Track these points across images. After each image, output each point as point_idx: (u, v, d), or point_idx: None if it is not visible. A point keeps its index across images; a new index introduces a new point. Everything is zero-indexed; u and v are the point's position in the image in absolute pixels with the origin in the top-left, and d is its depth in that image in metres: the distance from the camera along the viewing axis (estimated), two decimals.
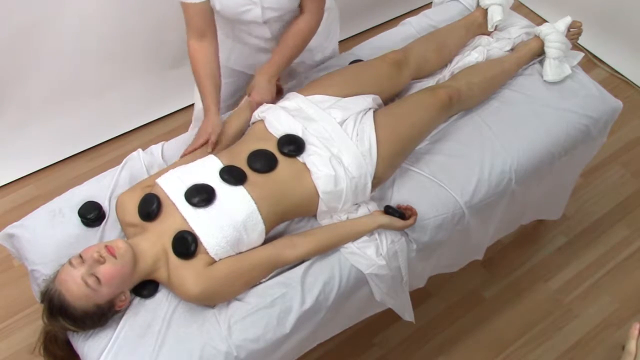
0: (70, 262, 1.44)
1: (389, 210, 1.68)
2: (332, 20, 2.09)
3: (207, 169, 1.61)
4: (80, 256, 1.44)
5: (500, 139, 1.90)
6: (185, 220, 1.53)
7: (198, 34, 1.75)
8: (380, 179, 1.75)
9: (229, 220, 1.53)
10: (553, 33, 2.05)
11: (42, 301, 1.48)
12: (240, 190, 1.57)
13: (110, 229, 1.68)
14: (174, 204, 1.55)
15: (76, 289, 1.41)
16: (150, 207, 1.55)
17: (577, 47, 2.38)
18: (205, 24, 1.75)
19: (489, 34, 2.15)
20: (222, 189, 1.57)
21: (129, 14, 2.40)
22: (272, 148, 1.67)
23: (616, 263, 2.46)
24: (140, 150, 1.84)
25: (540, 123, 1.94)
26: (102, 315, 1.47)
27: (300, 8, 1.83)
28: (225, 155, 1.67)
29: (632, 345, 1.23)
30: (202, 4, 1.71)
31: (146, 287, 1.55)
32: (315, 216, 1.72)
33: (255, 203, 1.56)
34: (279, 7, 1.79)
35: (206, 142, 1.72)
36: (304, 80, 2.00)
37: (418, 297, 2.03)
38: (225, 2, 1.74)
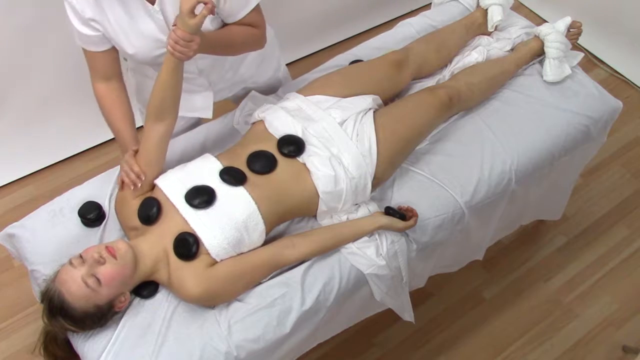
0: (70, 262, 1.44)
1: (389, 212, 1.68)
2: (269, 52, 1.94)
3: (206, 170, 1.61)
4: (81, 256, 1.44)
5: (500, 139, 1.90)
6: (186, 221, 1.53)
7: (104, 77, 1.68)
8: (380, 179, 1.75)
9: (230, 221, 1.53)
10: (553, 33, 2.05)
11: (42, 301, 1.48)
12: (240, 191, 1.57)
13: (110, 229, 1.68)
14: (174, 206, 1.55)
15: (76, 289, 1.41)
16: (150, 211, 1.55)
17: (577, 47, 2.38)
18: (111, 68, 1.68)
19: (489, 34, 2.15)
20: (222, 190, 1.57)
21: None
22: (272, 148, 1.67)
23: (616, 263, 2.46)
24: None
25: (540, 123, 1.94)
26: (101, 316, 1.47)
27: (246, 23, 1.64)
28: (225, 156, 1.67)
29: None
30: (106, 52, 1.64)
31: (146, 288, 1.56)
32: (315, 216, 1.72)
33: (256, 203, 1.56)
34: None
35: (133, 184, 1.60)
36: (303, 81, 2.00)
37: (418, 297, 2.04)
38: (138, 46, 1.60)
